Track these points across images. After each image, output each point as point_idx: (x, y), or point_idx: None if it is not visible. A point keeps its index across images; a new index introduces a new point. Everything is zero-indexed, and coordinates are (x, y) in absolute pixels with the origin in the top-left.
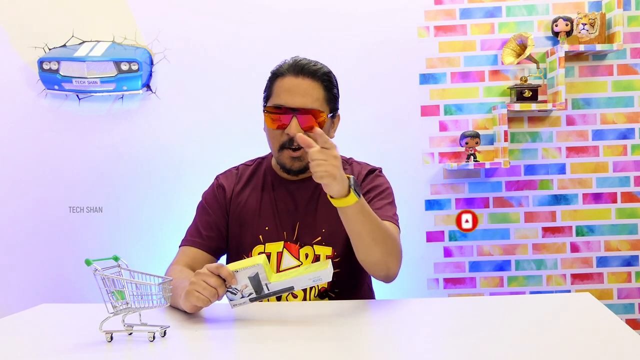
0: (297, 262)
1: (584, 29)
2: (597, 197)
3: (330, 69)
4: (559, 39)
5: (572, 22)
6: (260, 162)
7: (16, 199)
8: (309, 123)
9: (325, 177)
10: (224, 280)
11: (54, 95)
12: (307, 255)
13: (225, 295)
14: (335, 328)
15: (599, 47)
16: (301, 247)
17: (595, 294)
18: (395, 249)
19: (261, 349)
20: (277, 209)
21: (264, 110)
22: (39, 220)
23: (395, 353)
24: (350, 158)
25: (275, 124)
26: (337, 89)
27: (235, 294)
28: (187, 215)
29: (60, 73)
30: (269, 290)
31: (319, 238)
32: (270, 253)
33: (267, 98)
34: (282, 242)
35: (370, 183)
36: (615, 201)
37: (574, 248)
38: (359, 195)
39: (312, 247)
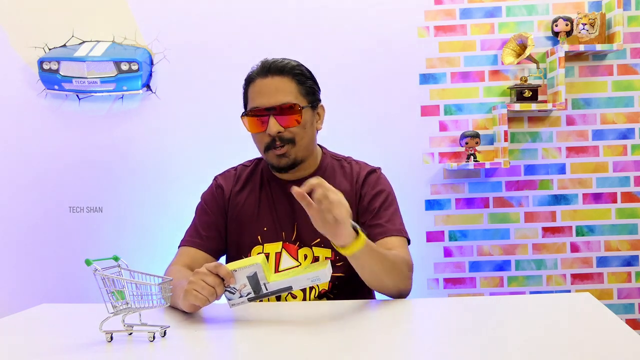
0: (295, 263)
1: (584, 29)
2: (597, 197)
3: (299, 62)
4: (559, 39)
5: (572, 22)
6: (257, 162)
7: (16, 198)
8: (287, 119)
9: (335, 218)
10: (223, 280)
11: (54, 95)
12: (305, 257)
13: (223, 295)
14: (334, 328)
15: (599, 47)
16: (300, 247)
17: (595, 294)
18: (405, 271)
19: (261, 349)
20: (276, 209)
21: (241, 117)
22: (39, 220)
23: (396, 353)
24: (349, 157)
25: (255, 128)
26: (314, 80)
27: (233, 294)
28: (186, 216)
29: (60, 73)
30: (267, 290)
31: (318, 240)
32: (269, 253)
33: (244, 106)
34: (281, 242)
35: (373, 187)
36: (615, 201)
37: (574, 248)
38: (364, 232)
39: (311, 248)
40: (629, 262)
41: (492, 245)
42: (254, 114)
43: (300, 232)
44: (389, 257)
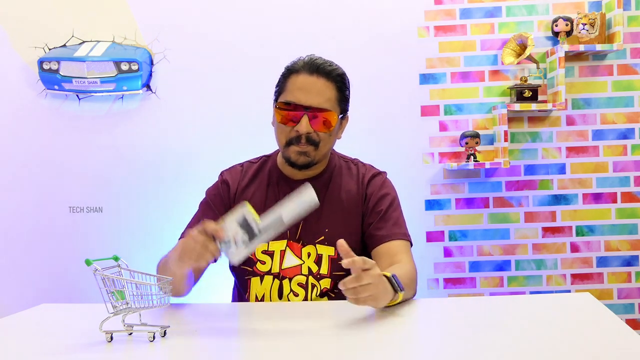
0: (299, 261)
1: (584, 29)
2: (597, 197)
3: (344, 70)
4: (559, 39)
5: (572, 22)
6: (265, 160)
7: (16, 199)
8: (320, 123)
9: (369, 301)
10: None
11: (54, 95)
12: (309, 255)
13: (224, 254)
14: (335, 328)
15: (599, 47)
16: (304, 246)
17: (595, 294)
18: (414, 283)
19: (262, 349)
20: None
21: (275, 105)
22: (39, 220)
23: (396, 353)
24: (356, 159)
25: (285, 119)
26: (349, 91)
27: (230, 246)
28: (187, 215)
29: (60, 73)
30: (260, 229)
31: (322, 237)
32: (273, 251)
33: (279, 93)
34: (285, 240)
35: (379, 190)
36: (615, 201)
37: (574, 248)
38: (402, 288)
39: (315, 246)
40: (629, 262)
41: (492, 245)
42: (289, 107)
43: (304, 232)
44: (407, 282)
